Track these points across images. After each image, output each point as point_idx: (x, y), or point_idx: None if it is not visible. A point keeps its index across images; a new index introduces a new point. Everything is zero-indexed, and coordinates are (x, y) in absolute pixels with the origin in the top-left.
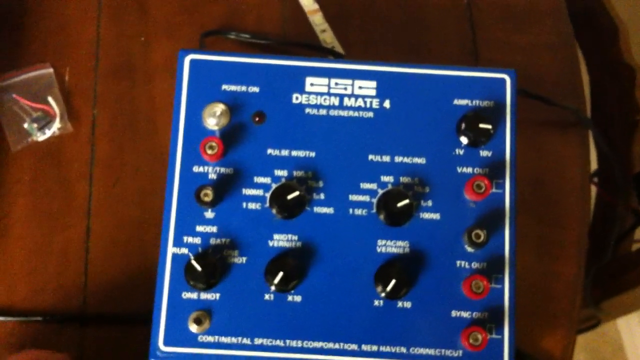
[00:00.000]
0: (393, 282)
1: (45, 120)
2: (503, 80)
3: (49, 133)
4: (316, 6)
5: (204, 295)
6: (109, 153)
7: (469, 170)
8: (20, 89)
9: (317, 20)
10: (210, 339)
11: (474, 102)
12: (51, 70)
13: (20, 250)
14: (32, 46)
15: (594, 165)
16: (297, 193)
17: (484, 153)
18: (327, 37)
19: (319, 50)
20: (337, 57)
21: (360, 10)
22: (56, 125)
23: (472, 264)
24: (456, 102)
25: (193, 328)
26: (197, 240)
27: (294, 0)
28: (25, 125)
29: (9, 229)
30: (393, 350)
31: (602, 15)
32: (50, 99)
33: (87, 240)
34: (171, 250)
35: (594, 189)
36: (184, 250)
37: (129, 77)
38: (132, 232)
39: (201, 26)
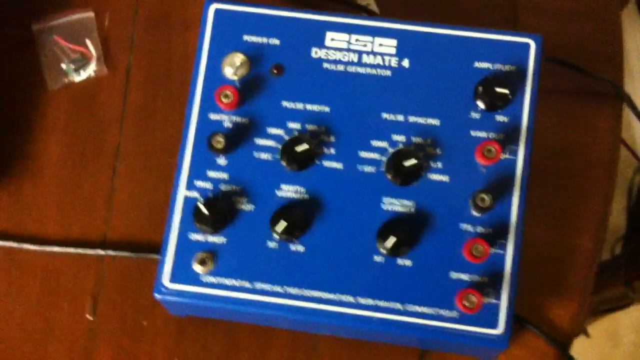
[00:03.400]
0: (393, 239)
1: (82, 62)
2: (527, 45)
3: (84, 74)
4: None
5: (211, 239)
6: (142, 101)
7: (483, 134)
8: (61, 30)
9: None
10: (212, 279)
11: (495, 66)
12: (92, 14)
13: (53, 190)
14: None
15: None
16: (306, 146)
17: (500, 118)
18: None
19: (352, 7)
20: (371, 16)
21: None
22: (92, 67)
23: (477, 228)
24: (477, 65)
25: (197, 268)
26: (209, 185)
27: None
28: (63, 66)
29: (43, 170)
30: (388, 306)
31: None
32: (88, 42)
33: (111, 187)
34: (183, 192)
35: None
36: (195, 194)
37: (166, 28)
38: (158, 178)
39: None
